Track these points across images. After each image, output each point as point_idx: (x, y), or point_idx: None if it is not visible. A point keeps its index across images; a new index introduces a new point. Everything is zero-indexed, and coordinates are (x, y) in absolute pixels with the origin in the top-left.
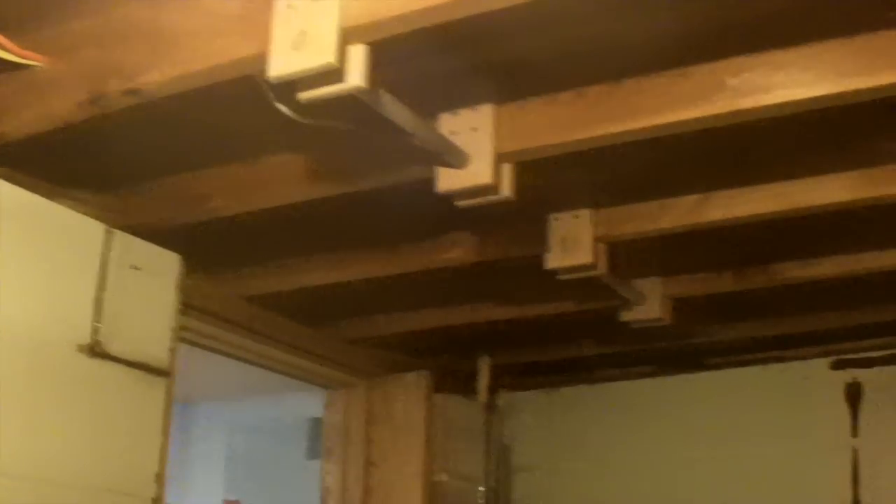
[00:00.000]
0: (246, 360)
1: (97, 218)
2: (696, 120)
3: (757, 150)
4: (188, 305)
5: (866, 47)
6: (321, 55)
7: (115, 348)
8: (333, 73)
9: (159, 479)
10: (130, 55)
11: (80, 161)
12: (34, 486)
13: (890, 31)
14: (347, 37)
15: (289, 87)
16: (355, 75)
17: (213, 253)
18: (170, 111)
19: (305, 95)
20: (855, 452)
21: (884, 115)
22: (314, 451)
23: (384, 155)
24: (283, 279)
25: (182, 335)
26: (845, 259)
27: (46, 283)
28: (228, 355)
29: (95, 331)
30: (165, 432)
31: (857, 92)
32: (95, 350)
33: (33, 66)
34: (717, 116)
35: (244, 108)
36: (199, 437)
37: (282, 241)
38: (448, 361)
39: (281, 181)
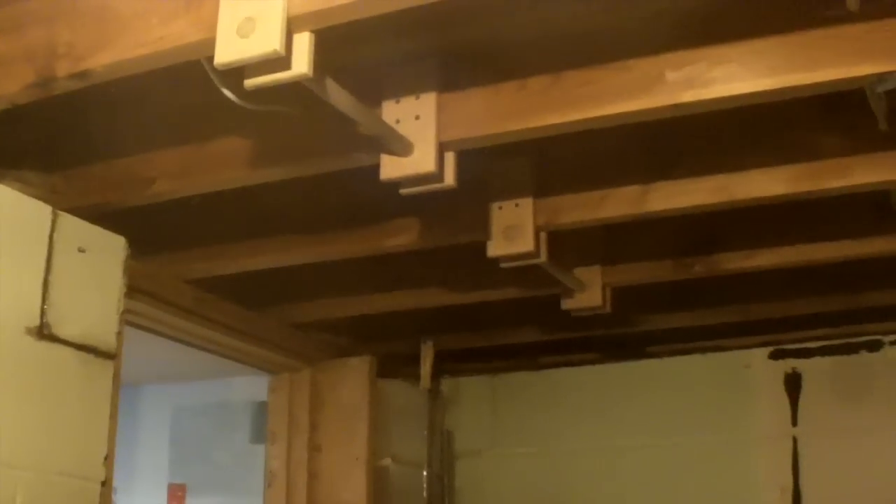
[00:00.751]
0: (190, 344)
1: (41, 199)
2: (637, 113)
3: (698, 143)
4: (133, 288)
5: (802, 44)
6: (267, 43)
7: (62, 331)
8: (279, 61)
9: (108, 461)
10: (78, 37)
11: (24, 141)
12: None
13: (825, 29)
14: (293, 25)
15: (235, 73)
16: (301, 63)
17: (157, 236)
18: (116, 93)
19: (251, 82)
20: (794, 441)
21: (820, 110)
22: (259, 435)
23: (329, 141)
24: (228, 263)
25: (127, 318)
26: (784, 250)
27: None
28: (173, 339)
29: (43, 313)
30: (114, 415)
31: (794, 88)
32: (44, 332)
33: None
34: (657, 109)
35: (191, 90)
36: (143, 419)
37: (227, 225)
38: (392, 347)
39: (227, 165)
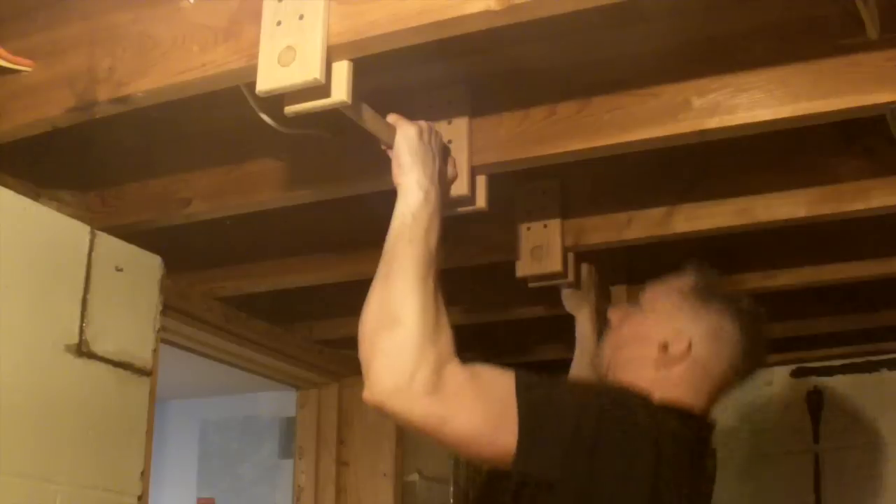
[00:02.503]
0: (220, 360)
1: (78, 219)
2: (663, 139)
3: (721, 166)
4: (165, 305)
5: (824, 72)
6: (307, 71)
7: (100, 348)
8: (319, 89)
9: (144, 476)
10: (119, 63)
11: (62, 162)
12: (22, 482)
13: (846, 57)
14: (332, 54)
15: (273, 98)
16: (340, 91)
17: (189, 254)
18: (152, 114)
19: (291, 109)
20: (816, 458)
21: (840, 135)
22: (287, 451)
23: (361, 163)
24: (258, 281)
25: (161, 335)
26: (805, 270)
27: (35, 283)
28: (204, 355)
29: (82, 331)
30: (149, 431)
31: (816, 115)
32: (82, 350)
33: (22, 70)
34: (682, 135)
35: (225, 112)
36: (171, 434)
37: (258, 244)
38: None
39: (260, 186)
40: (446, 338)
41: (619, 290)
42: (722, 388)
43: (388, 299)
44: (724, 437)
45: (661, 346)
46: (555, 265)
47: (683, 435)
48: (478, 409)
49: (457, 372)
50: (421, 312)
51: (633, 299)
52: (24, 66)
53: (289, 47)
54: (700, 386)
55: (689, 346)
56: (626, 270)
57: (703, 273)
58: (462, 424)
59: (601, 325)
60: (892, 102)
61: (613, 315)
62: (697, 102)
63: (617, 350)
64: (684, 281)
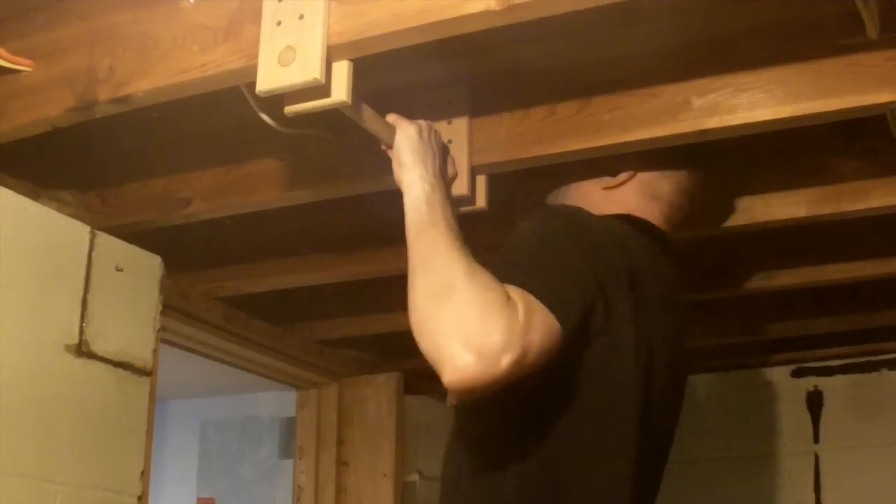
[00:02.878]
0: (220, 360)
1: (77, 218)
2: (663, 138)
3: (720, 167)
4: (165, 305)
5: (824, 72)
6: (307, 71)
7: (100, 348)
8: (319, 89)
9: (144, 476)
10: (119, 63)
11: (62, 162)
12: (23, 482)
13: (846, 57)
14: (332, 54)
15: (272, 98)
16: (340, 91)
17: (189, 254)
18: (153, 116)
19: (291, 109)
20: (816, 458)
21: (840, 135)
22: (287, 451)
23: (361, 163)
24: (258, 281)
25: (161, 335)
26: (804, 270)
27: (35, 283)
28: (204, 355)
29: (82, 331)
30: (149, 431)
31: (816, 115)
32: (82, 350)
33: (22, 70)
34: (682, 135)
35: (225, 112)
36: (171, 434)
37: (258, 244)
38: (418, 363)
39: (261, 186)
40: (494, 281)
41: None
42: (673, 211)
43: (434, 275)
44: (724, 437)
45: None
46: None
47: (623, 229)
48: (547, 317)
49: (518, 299)
50: (469, 271)
51: None
52: (23, 66)
53: (289, 47)
54: (650, 204)
55: (634, 173)
56: None
57: None
58: (542, 341)
59: None
60: (892, 102)
61: None
62: (697, 102)
63: None
64: None
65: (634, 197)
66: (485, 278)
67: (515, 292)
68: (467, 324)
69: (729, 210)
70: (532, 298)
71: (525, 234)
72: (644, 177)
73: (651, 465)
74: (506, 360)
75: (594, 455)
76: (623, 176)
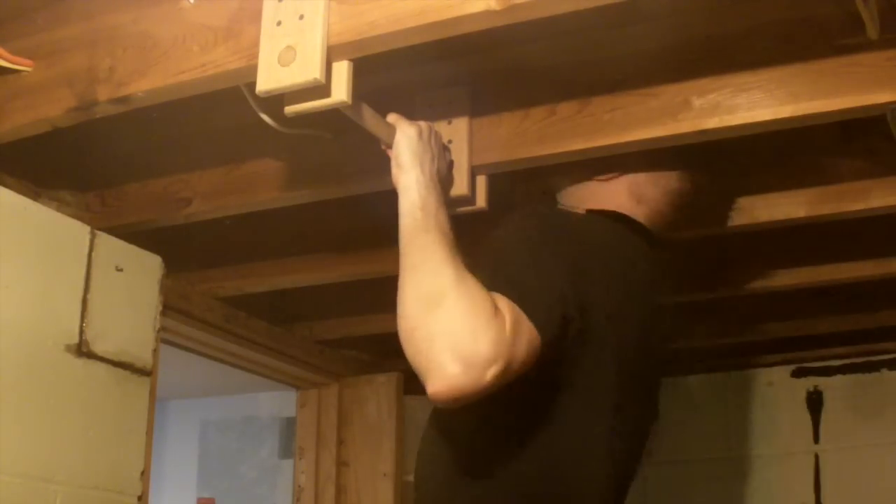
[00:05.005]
0: (220, 360)
1: (77, 218)
2: (663, 138)
3: (720, 168)
4: (165, 305)
5: (824, 72)
6: (307, 71)
7: (100, 348)
8: (319, 89)
9: (144, 476)
10: (119, 63)
11: (62, 162)
12: (23, 482)
13: (846, 57)
14: (332, 54)
15: (272, 98)
16: (340, 91)
17: (189, 254)
18: (153, 116)
19: (291, 109)
20: (816, 458)
21: (840, 134)
22: (287, 451)
23: (361, 163)
24: (258, 281)
25: (161, 335)
26: (805, 271)
27: (35, 283)
28: (204, 355)
29: (82, 331)
30: (149, 431)
31: (815, 115)
32: (82, 350)
33: (22, 71)
34: (682, 135)
35: (225, 112)
36: (171, 434)
37: (258, 244)
38: None
39: (261, 186)
40: (483, 291)
41: None
42: (656, 216)
43: (424, 282)
44: (724, 437)
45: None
46: None
47: (606, 226)
48: (531, 329)
49: (506, 310)
50: (459, 280)
51: None
52: (24, 66)
53: (289, 47)
54: (636, 206)
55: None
56: None
57: None
58: (525, 353)
59: None
60: (892, 102)
61: None
62: (697, 102)
63: None
64: None
65: (622, 195)
66: (474, 289)
67: (502, 302)
68: (457, 335)
69: (728, 210)
70: (517, 310)
71: (508, 240)
72: (631, 178)
73: (626, 463)
74: (491, 372)
75: (578, 451)
76: (610, 175)
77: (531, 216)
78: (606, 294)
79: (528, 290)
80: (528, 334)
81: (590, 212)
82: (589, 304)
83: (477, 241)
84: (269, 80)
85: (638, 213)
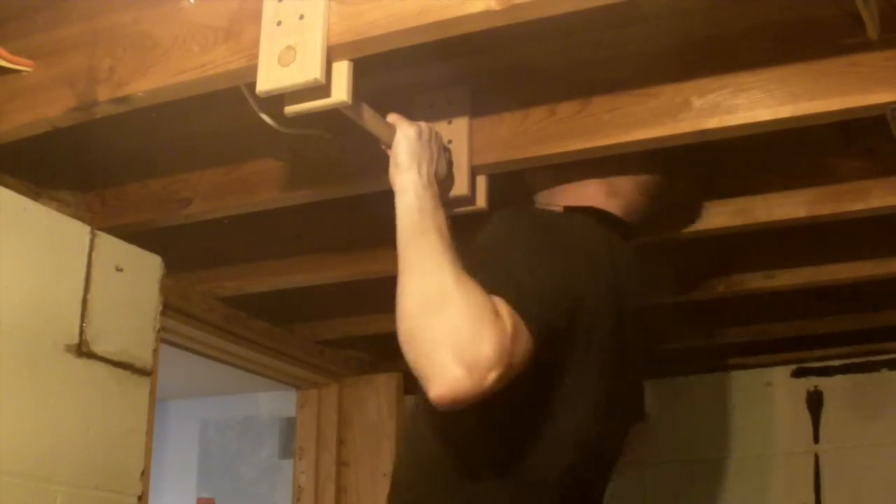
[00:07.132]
0: (220, 360)
1: (78, 219)
2: (663, 139)
3: (721, 168)
4: (165, 305)
5: (824, 72)
6: (308, 72)
7: (100, 348)
8: (319, 89)
9: (144, 476)
10: (119, 63)
11: (62, 162)
12: (23, 482)
13: (846, 57)
14: (332, 54)
15: (272, 98)
16: (340, 91)
17: (189, 254)
18: (153, 116)
19: (291, 109)
20: (816, 458)
21: (840, 134)
22: (287, 451)
23: (362, 163)
24: (258, 281)
25: (161, 335)
26: (805, 270)
27: (35, 283)
28: (204, 355)
29: (82, 331)
30: (149, 431)
31: (815, 115)
32: (82, 350)
33: (22, 70)
34: (683, 135)
35: (225, 112)
36: (171, 434)
37: (258, 244)
38: None
39: (261, 186)
40: (483, 294)
41: None
42: (633, 206)
43: (424, 285)
44: (724, 437)
45: None
46: None
47: (587, 223)
48: (527, 333)
49: (505, 313)
50: (460, 283)
51: None
52: (24, 66)
53: (289, 47)
54: (609, 200)
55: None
56: None
57: None
58: (522, 357)
59: None
60: (892, 102)
61: None
62: (697, 102)
63: None
64: None
65: (596, 190)
66: (475, 291)
67: (501, 305)
68: (459, 338)
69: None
70: (516, 315)
71: (501, 239)
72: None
73: (595, 458)
74: (492, 376)
75: (549, 442)
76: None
77: (523, 216)
78: (592, 294)
79: (525, 293)
80: (526, 338)
81: (567, 209)
82: (578, 305)
83: (469, 240)
84: (269, 80)
85: (614, 206)
